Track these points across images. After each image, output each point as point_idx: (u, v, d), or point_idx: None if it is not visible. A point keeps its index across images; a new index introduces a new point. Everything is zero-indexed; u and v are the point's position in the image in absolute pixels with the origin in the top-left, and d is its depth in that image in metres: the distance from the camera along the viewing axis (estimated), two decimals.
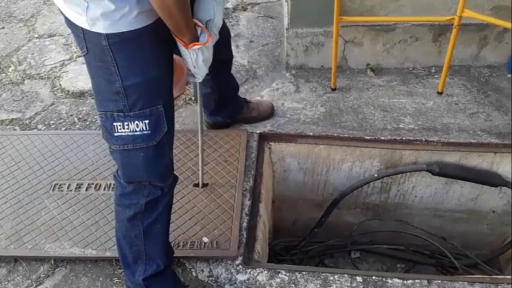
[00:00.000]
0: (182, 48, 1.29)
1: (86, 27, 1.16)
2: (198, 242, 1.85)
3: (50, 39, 3.12)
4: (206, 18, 1.31)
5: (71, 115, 2.51)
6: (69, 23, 1.23)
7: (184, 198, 2.03)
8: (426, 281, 1.72)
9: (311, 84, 2.59)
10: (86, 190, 2.09)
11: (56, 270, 1.85)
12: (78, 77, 2.76)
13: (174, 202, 1.92)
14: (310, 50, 2.62)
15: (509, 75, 2.57)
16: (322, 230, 2.49)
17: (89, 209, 2.00)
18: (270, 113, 2.38)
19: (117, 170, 1.45)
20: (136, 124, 1.28)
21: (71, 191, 2.09)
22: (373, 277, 1.75)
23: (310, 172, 2.43)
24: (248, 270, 1.78)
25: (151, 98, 1.29)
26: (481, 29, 2.48)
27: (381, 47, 2.58)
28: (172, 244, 1.79)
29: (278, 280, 1.75)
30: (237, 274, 1.77)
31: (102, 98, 1.29)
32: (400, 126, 2.29)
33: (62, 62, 2.89)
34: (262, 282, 1.74)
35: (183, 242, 1.85)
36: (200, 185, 2.06)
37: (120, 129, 1.29)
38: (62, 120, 2.48)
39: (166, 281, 1.64)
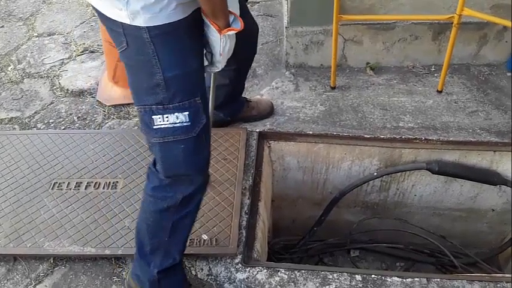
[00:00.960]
0: (214, 34, 1.29)
1: (127, 21, 1.18)
2: (197, 239, 1.85)
3: (49, 38, 3.12)
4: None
5: (70, 114, 2.50)
6: (106, 20, 1.23)
7: None
8: (425, 279, 1.73)
9: (311, 83, 2.59)
10: (85, 188, 2.09)
11: (55, 269, 1.85)
12: (78, 75, 2.75)
13: None
14: (310, 49, 2.62)
15: (509, 74, 2.57)
16: (321, 229, 2.49)
17: (88, 207, 2.00)
18: (269, 111, 2.38)
19: (154, 163, 1.44)
20: (176, 116, 1.29)
21: (70, 189, 2.09)
22: (373, 275, 1.75)
23: (310, 171, 2.43)
24: (247, 269, 1.78)
25: (190, 90, 1.30)
26: (481, 27, 2.48)
27: (380, 46, 2.58)
28: None
29: (277, 279, 1.75)
30: (236, 273, 1.77)
31: (141, 92, 1.30)
32: (400, 124, 2.29)
33: (61, 61, 2.89)
34: (261, 281, 1.74)
35: None
36: None
37: (160, 121, 1.29)
38: (61, 119, 2.47)
39: (178, 276, 1.65)
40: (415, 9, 2.42)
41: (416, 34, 2.52)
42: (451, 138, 2.21)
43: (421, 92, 2.48)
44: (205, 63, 1.42)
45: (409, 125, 2.29)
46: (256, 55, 2.79)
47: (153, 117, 1.29)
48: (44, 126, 2.45)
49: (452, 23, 2.20)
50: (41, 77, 2.79)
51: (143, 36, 1.19)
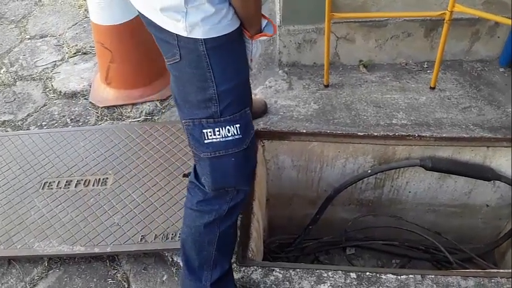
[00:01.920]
0: (246, 40, 1.27)
1: (183, 34, 1.15)
2: None
3: (41, 40, 3.11)
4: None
5: (63, 116, 2.50)
6: (157, 31, 1.20)
7: (174, 189, 2.02)
8: (420, 276, 1.73)
9: (304, 81, 2.59)
10: (75, 187, 2.08)
11: (50, 272, 1.86)
12: (70, 77, 2.75)
13: (163, 194, 1.96)
14: (303, 47, 2.62)
15: (502, 69, 2.58)
16: (317, 227, 2.49)
17: (78, 205, 2.00)
18: (263, 110, 2.38)
19: (195, 176, 1.41)
20: (228, 129, 1.26)
21: (60, 188, 2.08)
22: (367, 273, 1.75)
23: (304, 169, 2.43)
24: (242, 269, 1.78)
25: (242, 101, 1.27)
26: (473, 23, 2.48)
27: (373, 43, 2.58)
28: (161, 237, 1.81)
29: (272, 278, 1.75)
30: None
31: (191, 105, 1.26)
32: (393, 121, 2.29)
33: (53, 63, 2.89)
34: (256, 280, 1.74)
35: (172, 234, 1.84)
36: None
37: (211, 135, 1.26)
38: (54, 121, 2.47)
39: (230, 283, 1.63)
40: (407, 6, 2.42)
41: (408, 31, 2.52)
42: (444, 135, 2.22)
43: (414, 88, 2.49)
44: None
45: (403, 122, 2.29)
46: None
47: (204, 131, 1.26)
48: (37, 128, 2.44)
49: (444, 20, 2.20)
50: (33, 80, 2.78)
51: (199, 49, 1.16)
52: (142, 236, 1.86)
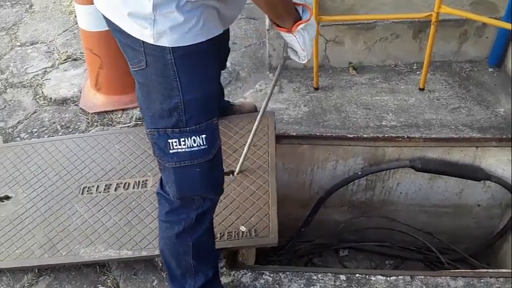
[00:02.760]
0: (286, 35, 1.26)
1: (150, 41, 1.12)
2: (235, 231, 1.80)
3: (32, 47, 3.11)
4: None
5: (54, 122, 2.50)
6: (123, 36, 1.18)
7: None
8: (409, 277, 1.73)
9: (294, 85, 2.60)
10: (115, 190, 2.05)
11: (40, 278, 1.85)
12: (61, 84, 2.75)
13: None
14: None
15: (491, 69, 2.59)
16: (309, 229, 2.50)
17: (120, 209, 1.96)
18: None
19: (161, 185, 1.39)
20: (193, 139, 1.23)
21: (100, 192, 2.05)
22: (357, 275, 1.75)
23: (295, 172, 2.44)
24: (232, 273, 1.78)
25: (208, 112, 1.25)
26: (461, 24, 2.49)
27: (362, 45, 2.59)
28: None
29: (262, 281, 1.75)
30: (220, 277, 1.76)
31: (155, 114, 1.23)
32: (383, 123, 2.30)
33: (44, 70, 2.88)
34: (246, 284, 1.74)
35: (220, 234, 1.79)
36: (236, 173, 2.01)
37: (176, 145, 1.24)
38: (45, 128, 2.47)
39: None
40: (395, 8, 2.43)
41: (397, 33, 2.53)
42: (433, 135, 2.23)
43: (403, 90, 2.50)
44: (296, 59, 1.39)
45: (392, 123, 2.30)
46: (239, 58, 2.84)
47: (169, 141, 1.23)
48: (27, 135, 2.44)
49: (431, 21, 2.21)
50: (24, 87, 2.78)
51: (166, 57, 1.13)
52: None
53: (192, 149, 1.24)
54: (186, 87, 1.18)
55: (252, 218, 1.84)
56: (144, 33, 1.12)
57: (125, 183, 2.07)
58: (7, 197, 2.10)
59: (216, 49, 1.23)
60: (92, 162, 2.20)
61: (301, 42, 1.27)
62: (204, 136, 1.24)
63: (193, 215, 1.39)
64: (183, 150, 1.24)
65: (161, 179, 1.39)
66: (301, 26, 1.24)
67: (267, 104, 1.80)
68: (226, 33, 1.92)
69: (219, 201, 1.88)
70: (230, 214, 1.87)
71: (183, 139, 1.23)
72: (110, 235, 1.87)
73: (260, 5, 1.15)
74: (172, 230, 1.42)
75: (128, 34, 1.15)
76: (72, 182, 2.12)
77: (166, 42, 1.12)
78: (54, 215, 1.98)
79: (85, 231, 1.90)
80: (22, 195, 2.10)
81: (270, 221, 1.82)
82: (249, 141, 1.88)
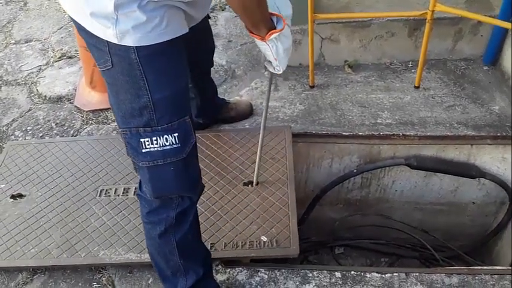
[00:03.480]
0: (260, 43, 1.26)
1: (114, 40, 1.11)
2: (256, 241, 1.82)
3: (26, 44, 3.09)
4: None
5: (48, 120, 2.49)
6: (88, 36, 1.17)
7: (236, 197, 2.00)
8: (404, 274, 1.74)
9: (290, 83, 2.60)
10: (134, 194, 2.04)
11: (35, 277, 1.84)
12: (55, 81, 2.74)
13: (226, 202, 1.94)
14: None
15: (485, 68, 2.60)
16: (305, 227, 2.50)
17: (140, 213, 1.95)
18: (248, 112, 2.38)
19: (140, 186, 1.39)
20: (166, 138, 1.23)
21: (118, 195, 2.05)
22: (352, 272, 1.76)
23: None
24: (227, 270, 1.78)
25: (179, 110, 1.24)
26: (456, 22, 2.50)
27: (357, 44, 2.59)
28: (230, 245, 1.79)
29: (257, 279, 1.75)
30: (216, 274, 1.76)
31: (126, 114, 1.22)
32: (378, 121, 2.31)
33: (38, 67, 2.87)
34: (242, 282, 1.74)
35: (242, 243, 1.81)
36: (254, 183, 2.04)
37: (148, 145, 1.23)
38: (39, 126, 2.46)
39: (208, 286, 1.62)
40: (390, 6, 2.44)
41: (392, 31, 2.53)
42: (428, 133, 2.23)
43: (398, 88, 2.50)
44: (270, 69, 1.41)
45: (387, 121, 2.30)
46: (235, 56, 2.83)
47: (141, 140, 1.23)
48: (21, 133, 2.43)
49: (426, 19, 2.21)
50: (18, 84, 2.77)
51: (131, 56, 1.13)
52: (211, 244, 1.82)
53: (165, 148, 1.24)
54: (154, 86, 1.17)
55: (272, 229, 1.86)
56: (107, 32, 1.11)
57: None
58: (20, 195, 2.09)
59: (183, 47, 1.22)
60: (108, 165, 2.19)
61: (273, 51, 1.28)
62: (176, 135, 1.24)
63: (173, 214, 1.39)
64: (156, 149, 1.24)
65: (140, 180, 1.39)
66: (275, 35, 1.24)
67: (266, 115, 1.80)
68: (204, 31, 1.92)
69: (239, 210, 1.94)
70: (251, 224, 1.89)
71: (155, 138, 1.23)
72: (130, 238, 1.87)
73: (238, 12, 1.16)
74: (155, 230, 1.42)
75: (92, 34, 1.14)
76: (89, 184, 2.11)
77: (130, 41, 1.11)
78: (71, 216, 1.98)
79: (104, 233, 1.90)
80: (36, 194, 2.09)
81: (290, 233, 1.84)
82: (258, 152, 1.91)
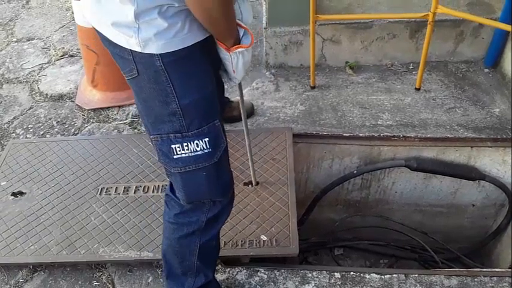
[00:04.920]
0: (223, 52, 1.24)
1: (137, 49, 1.11)
2: (256, 240, 1.83)
3: (28, 42, 3.10)
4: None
5: (50, 118, 2.49)
6: (112, 46, 1.17)
7: (236, 197, 1.96)
8: (403, 275, 1.74)
9: (291, 83, 2.60)
10: (135, 193, 2.06)
11: (35, 274, 1.85)
12: (57, 80, 2.74)
13: None
14: (289, 49, 2.63)
15: (486, 70, 2.60)
16: (305, 228, 2.50)
17: (140, 211, 1.97)
18: (250, 112, 2.39)
19: (171, 189, 1.39)
20: (196, 144, 1.22)
21: (118, 194, 2.06)
22: (351, 273, 1.76)
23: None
24: (227, 270, 1.78)
25: (208, 115, 1.23)
26: (457, 24, 2.50)
27: (358, 45, 2.60)
28: (230, 244, 1.80)
29: (257, 279, 1.75)
30: (216, 274, 1.76)
31: (156, 120, 1.22)
32: (379, 122, 2.31)
33: (40, 66, 2.88)
34: (241, 281, 1.75)
35: (242, 241, 1.83)
36: (253, 183, 2.05)
37: (180, 151, 1.23)
38: (40, 124, 2.46)
39: None
40: (391, 8, 2.44)
41: (393, 32, 2.54)
42: (429, 135, 2.23)
43: (399, 89, 2.50)
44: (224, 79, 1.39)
45: (388, 122, 2.30)
46: None
47: (172, 146, 1.23)
48: (22, 131, 2.43)
49: (427, 21, 2.22)
50: (20, 82, 2.77)
51: (156, 64, 1.12)
52: None
53: (196, 153, 1.23)
54: (181, 92, 1.17)
55: (272, 228, 1.87)
56: (130, 41, 1.11)
57: (144, 186, 2.08)
58: (21, 193, 2.10)
59: (207, 51, 1.22)
60: (109, 163, 2.20)
61: (234, 63, 1.26)
62: (206, 140, 1.23)
63: (204, 218, 1.39)
64: (187, 155, 1.23)
65: (171, 182, 1.39)
66: (240, 50, 1.23)
67: (246, 121, 1.80)
68: None
69: (239, 210, 1.94)
70: (251, 223, 1.90)
71: (185, 144, 1.22)
72: (130, 236, 1.88)
73: (203, 22, 1.13)
74: (181, 231, 1.42)
75: (116, 44, 1.14)
76: (90, 182, 2.12)
77: (153, 49, 1.11)
78: (71, 214, 1.99)
79: (104, 231, 1.91)
80: (37, 191, 2.10)
81: (290, 232, 1.85)
82: (249, 154, 1.91)
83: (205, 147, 1.23)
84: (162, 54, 1.11)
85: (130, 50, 1.12)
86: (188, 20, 1.11)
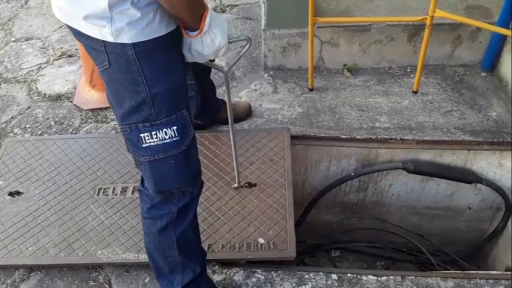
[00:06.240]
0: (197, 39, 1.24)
1: (110, 39, 1.12)
2: (254, 243, 1.83)
3: (26, 42, 3.10)
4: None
5: (47, 118, 2.49)
6: (84, 39, 1.18)
7: (234, 199, 2.01)
8: (400, 277, 1.75)
9: (289, 85, 2.61)
10: (132, 194, 2.05)
11: (31, 274, 1.85)
12: (55, 80, 2.74)
13: (223, 203, 1.94)
14: (288, 51, 2.64)
15: (483, 74, 2.61)
16: (301, 230, 2.50)
17: (138, 212, 1.95)
18: (247, 113, 2.39)
19: (142, 182, 1.41)
20: (165, 132, 1.25)
21: (116, 195, 2.05)
22: (348, 274, 1.77)
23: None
24: (224, 271, 1.79)
25: (176, 104, 1.26)
26: (455, 28, 2.52)
27: (357, 48, 2.61)
28: (228, 246, 1.80)
29: (254, 280, 1.76)
30: (213, 274, 1.77)
31: (125, 111, 1.24)
32: (376, 125, 2.32)
33: (38, 66, 2.88)
34: (238, 282, 1.75)
35: (239, 244, 1.83)
36: (236, 185, 2.04)
37: (148, 139, 1.25)
38: (38, 124, 2.46)
39: (204, 285, 1.63)
40: (390, 11, 2.45)
41: (391, 36, 2.55)
42: (426, 138, 2.24)
43: (397, 92, 2.51)
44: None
45: (385, 125, 2.31)
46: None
47: (141, 135, 1.25)
48: (20, 131, 2.43)
49: (425, 25, 2.23)
50: (18, 82, 2.77)
51: (128, 53, 1.14)
52: (209, 245, 1.83)
53: (164, 141, 1.26)
54: (151, 81, 1.19)
55: (270, 231, 1.87)
56: (103, 32, 1.12)
57: None
58: (18, 193, 2.09)
59: (178, 41, 1.24)
60: (107, 163, 2.19)
61: (186, 44, 1.26)
62: (175, 128, 1.26)
63: (175, 209, 1.41)
64: (156, 143, 1.26)
65: (142, 176, 1.40)
66: (207, 19, 1.20)
67: (231, 118, 1.80)
68: None
69: (237, 212, 1.94)
70: (248, 226, 1.90)
71: (154, 132, 1.25)
72: (128, 238, 1.87)
73: (181, 12, 1.14)
74: (155, 225, 1.43)
75: (89, 36, 1.16)
76: (87, 182, 2.11)
77: (125, 38, 1.12)
78: (69, 214, 1.98)
79: (102, 232, 1.90)
80: (34, 191, 2.09)
81: (287, 235, 1.85)
82: (234, 155, 1.91)
83: (173, 135, 1.26)
84: (134, 44, 1.14)
85: (103, 40, 1.14)
86: (160, 11, 1.14)
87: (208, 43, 1.25)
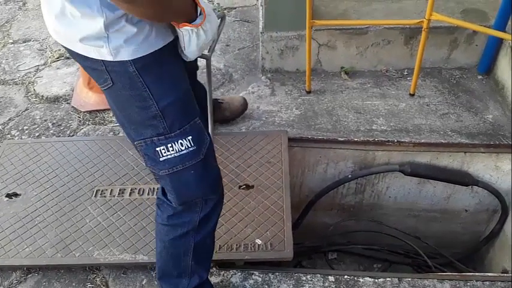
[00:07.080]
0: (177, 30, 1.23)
1: (109, 58, 1.12)
2: (251, 244, 1.83)
3: (24, 44, 3.10)
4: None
5: (45, 120, 2.49)
6: (83, 60, 1.18)
7: (231, 200, 2.01)
8: (397, 279, 1.75)
9: (286, 87, 2.61)
10: (130, 195, 2.05)
11: (29, 276, 1.84)
12: (53, 82, 2.74)
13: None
14: (285, 54, 2.65)
15: (480, 77, 2.63)
16: (299, 232, 2.51)
17: (135, 214, 1.96)
18: (242, 109, 2.37)
19: (162, 192, 1.40)
20: (181, 143, 1.24)
21: (113, 196, 2.05)
22: (345, 276, 1.77)
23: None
24: (221, 273, 1.79)
25: (188, 113, 1.26)
26: (451, 31, 2.53)
27: (354, 50, 2.62)
28: (225, 247, 1.80)
29: (251, 282, 1.76)
30: (210, 276, 1.77)
31: (137, 126, 1.24)
32: (373, 127, 2.33)
33: (36, 67, 2.88)
34: (235, 284, 1.75)
35: (236, 245, 1.83)
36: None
37: (165, 152, 1.25)
38: (36, 126, 2.46)
39: None
40: (387, 15, 2.47)
41: (388, 39, 2.56)
42: (422, 140, 2.25)
43: (394, 95, 2.53)
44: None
45: (382, 127, 2.32)
46: (232, 60, 2.85)
47: (157, 149, 1.24)
48: (18, 133, 2.43)
49: (422, 28, 2.24)
50: (15, 84, 2.77)
51: (129, 70, 1.14)
52: None
53: (181, 152, 1.25)
54: (158, 94, 1.19)
55: (267, 232, 1.87)
56: (101, 52, 1.12)
57: (140, 189, 2.08)
58: (16, 194, 2.09)
59: (177, 52, 1.23)
60: (104, 166, 2.19)
61: (185, 40, 1.22)
62: (190, 138, 1.25)
63: (197, 218, 1.40)
64: (173, 155, 1.25)
65: (162, 187, 1.39)
66: (187, 27, 1.18)
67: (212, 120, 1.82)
68: None
69: (235, 213, 1.94)
70: (246, 227, 1.90)
71: (170, 145, 1.24)
72: (125, 239, 1.87)
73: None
74: (175, 232, 1.42)
75: (87, 57, 1.15)
76: (85, 184, 2.11)
77: (125, 55, 1.12)
78: (66, 216, 1.98)
79: (99, 233, 1.90)
80: (32, 193, 2.09)
81: (285, 236, 1.85)
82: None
83: (189, 146, 1.26)
84: (134, 60, 1.13)
85: (102, 60, 1.13)
86: (154, 24, 1.13)
87: (207, 28, 1.23)
